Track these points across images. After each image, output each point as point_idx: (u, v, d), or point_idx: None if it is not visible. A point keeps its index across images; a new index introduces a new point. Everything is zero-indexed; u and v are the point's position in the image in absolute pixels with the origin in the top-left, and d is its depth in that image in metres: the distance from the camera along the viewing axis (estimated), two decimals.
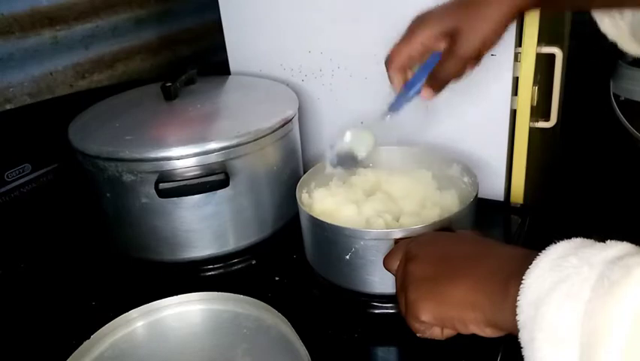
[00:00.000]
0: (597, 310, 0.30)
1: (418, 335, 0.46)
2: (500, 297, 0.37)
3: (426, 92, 0.59)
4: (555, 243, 0.35)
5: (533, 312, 0.32)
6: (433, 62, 0.58)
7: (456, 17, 0.56)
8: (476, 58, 0.57)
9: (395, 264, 0.51)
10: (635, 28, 0.55)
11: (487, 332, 0.40)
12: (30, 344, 0.61)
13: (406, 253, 0.49)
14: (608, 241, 0.34)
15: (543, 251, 0.35)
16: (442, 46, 0.57)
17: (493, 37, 0.55)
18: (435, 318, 0.43)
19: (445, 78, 0.58)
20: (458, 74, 0.57)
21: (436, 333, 0.45)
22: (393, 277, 0.51)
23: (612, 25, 0.56)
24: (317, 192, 0.71)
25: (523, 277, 0.34)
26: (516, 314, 0.34)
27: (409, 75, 0.60)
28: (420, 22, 0.58)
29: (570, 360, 0.30)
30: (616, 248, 0.33)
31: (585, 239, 0.35)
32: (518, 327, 0.34)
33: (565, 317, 0.31)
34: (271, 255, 0.74)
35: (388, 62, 0.60)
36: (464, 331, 0.42)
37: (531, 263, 0.34)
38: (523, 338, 0.33)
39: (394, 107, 0.62)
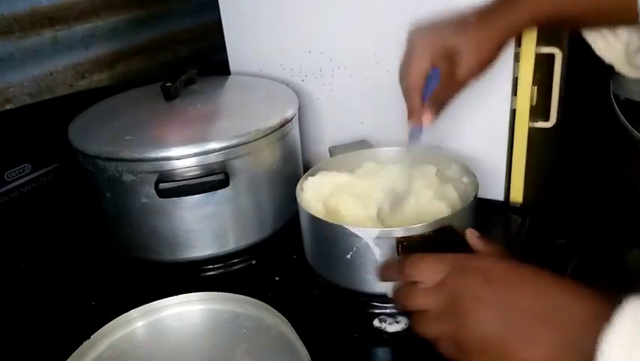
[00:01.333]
0: None
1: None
2: None
3: (427, 117, 0.59)
4: (611, 323, 0.33)
5: None
6: (433, 84, 0.58)
7: (456, 37, 0.56)
8: (474, 78, 0.58)
9: (415, 274, 0.45)
10: (631, 50, 0.55)
11: None
12: (30, 344, 0.61)
13: (456, 283, 0.42)
14: None
15: (605, 336, 0.33)
16: (443, 63, 0.57)
17: (492, 59, 0.57)
18: None
19: (446, 100, 0.59)
20: (456, 94, 0.59)
21: None
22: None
23: (607, 47, 0.57)
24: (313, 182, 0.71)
25: None
26: None
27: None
28: (421, 35, 0.58)
29: None
30: None
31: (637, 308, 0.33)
32: None
33: None
34: (271, 255, 0.74)
35: (404, 83, 0.59)
36: None
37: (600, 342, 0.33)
38: None
39: (415, 135, 0.62)
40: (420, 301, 0.45)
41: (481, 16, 0.56)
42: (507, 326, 0.40)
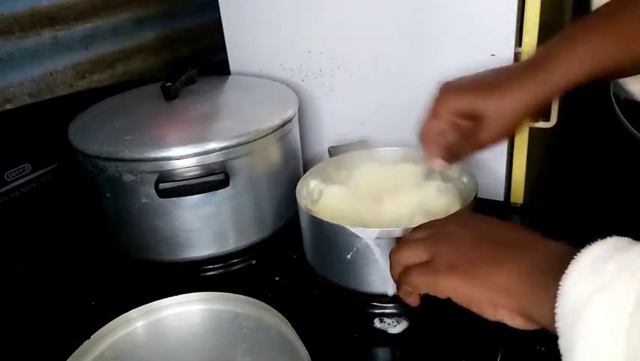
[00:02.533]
0: None
1: (399, 292, 0.47)
2: (539, 290, 0.36)
3: (439, 162, 0.60)
4: (589, 245, 0.34)
5: (572, 320, 0.31)
6: None
7: (482, 99, 0.54)
8: (496, 142, 0.56)
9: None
10: None
11: (517, 322, 0.39)
12: (30, 344, 0.61)
13: (442, 221, 0.50)
14: None
15: (577, 255, 0.33)
16: (466, 122, 0.56)
17: (518, 125, 0.55)
18: (461, 297, 0.42)
19: (462, 155, 0.59)
20: (475, 152, 0.58)
21: (414, 300, 0.46)
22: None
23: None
24: (316, 189, 0.71)
25: (560, 283, 0.33)
26: (554, 313, 0.33)
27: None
28: (446, 94, 0.57)
29: None
30: None
31: (620, 238, 0.34)
32: (558, 334, 0.33)
33: (608, 330, 0.30)
34: (271, 255, 0.74)
35: (422, 138, 0.59)
36: (492, 316, 0.40)
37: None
38: (562, 345, 0.32)
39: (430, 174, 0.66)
40: (408, 237, 0.50)
41: (510, 79, 0.53)
42: (480, 247, 0.43)
